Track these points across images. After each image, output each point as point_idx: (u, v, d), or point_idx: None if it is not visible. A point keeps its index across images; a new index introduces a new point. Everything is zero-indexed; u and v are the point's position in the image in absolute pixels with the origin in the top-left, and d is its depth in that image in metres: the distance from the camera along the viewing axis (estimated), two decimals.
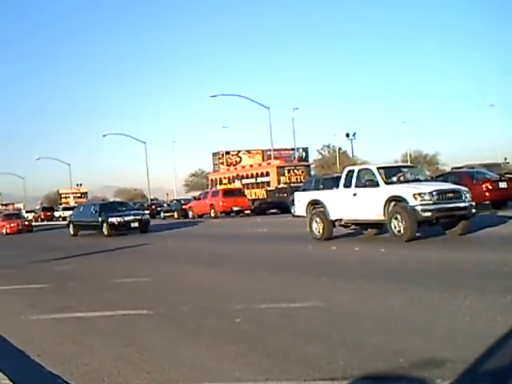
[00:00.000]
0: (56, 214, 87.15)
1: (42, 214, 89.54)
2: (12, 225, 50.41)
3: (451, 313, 7.78)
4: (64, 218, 77.52)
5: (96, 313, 9.84)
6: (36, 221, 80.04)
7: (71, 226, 38.03)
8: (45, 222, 79.41)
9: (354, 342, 6.70)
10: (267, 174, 49.03)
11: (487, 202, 28.19)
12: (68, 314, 10.01)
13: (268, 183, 48.65)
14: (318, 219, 20.22)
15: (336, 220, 19.81)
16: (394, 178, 18.76)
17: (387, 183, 18.21)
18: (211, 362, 6.39)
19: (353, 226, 20.22)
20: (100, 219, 34.05)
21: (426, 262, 13.28)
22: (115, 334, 8.27)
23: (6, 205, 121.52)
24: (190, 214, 49.63)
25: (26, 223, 53.18)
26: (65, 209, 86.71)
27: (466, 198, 17.61)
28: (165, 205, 65.10)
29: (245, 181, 51.93)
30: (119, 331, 8.40)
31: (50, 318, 9.82)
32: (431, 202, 16.89)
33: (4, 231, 49.94)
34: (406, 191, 17.37)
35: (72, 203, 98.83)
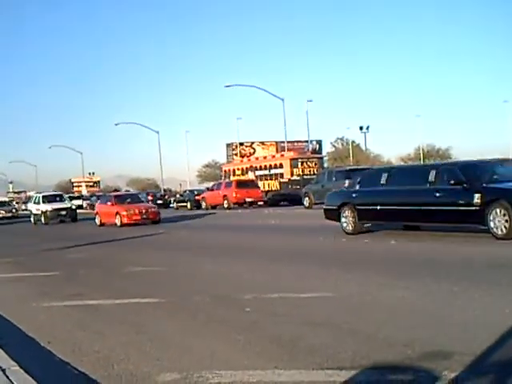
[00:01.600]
0: None
1: None
2: (131, 212, 33.66)
3: (460, 305, 7.78)
4: None
5: (108, 300, 9.92)
6: None
7: (348, 212, 18.82)
8: None
9: (363, 333, 6.72)
10: (280, 166, 48.99)
11: None
12: (80, 301, 10.10)
13: (281, 175, 48.63)
14: None
15: None
16: None
17: None
18: (221, 351, 6.43)
19: None
20: (476, 198, 14.96)
21: (435, 254, 13.25)
22: (126, 321, 8.34)
23: (18, 193, 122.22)
24: (203, 204, 49.69)
25: (153, 210, 35.07)
26: (70, 198, 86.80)
27: None
28: (177, 195, 65.15)
29: (258, 172, 51.93)
30: (130, 319, 8.46)
31: (61, 305, 9.91)
32: None
33: (118, 221, 33.73)
34: None
35: (84, 192, 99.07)
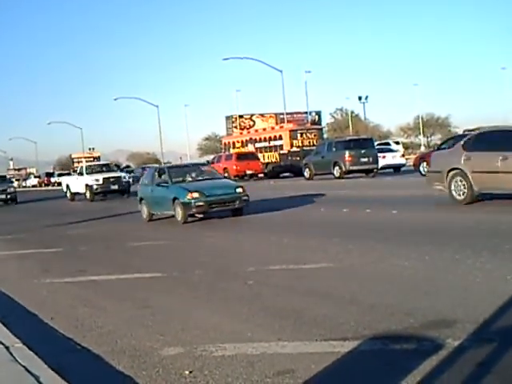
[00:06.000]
0: (52, 179, 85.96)
1: (46, 179, 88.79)
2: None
3: (462, 273, 7.77)
4: (60, 184, 76.97)
5: (110, 276, 9.93)
6: (40, 186, 79.53)
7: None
8: (48, 187, 78.33)
9: (366, 303, 6.72)
10: (280, 138, 48.63)
11: None
12: (82, 277, 10.10)
13: (281, 147, 48.30)
14: None
15: None
16: None
17: None
18: (224, 324, 6.44)
19: None
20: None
21: (436, 223, 13.25)
22: (129, 296, 8.34)
23: (19, 169, 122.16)
24: None
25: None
26: (59, 175, 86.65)
27: None
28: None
29: (258, 144, 51.59)
30: (133, 294, 8.47)
31: (63, 281, 9.91)
32: None
33: None
34: None
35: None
